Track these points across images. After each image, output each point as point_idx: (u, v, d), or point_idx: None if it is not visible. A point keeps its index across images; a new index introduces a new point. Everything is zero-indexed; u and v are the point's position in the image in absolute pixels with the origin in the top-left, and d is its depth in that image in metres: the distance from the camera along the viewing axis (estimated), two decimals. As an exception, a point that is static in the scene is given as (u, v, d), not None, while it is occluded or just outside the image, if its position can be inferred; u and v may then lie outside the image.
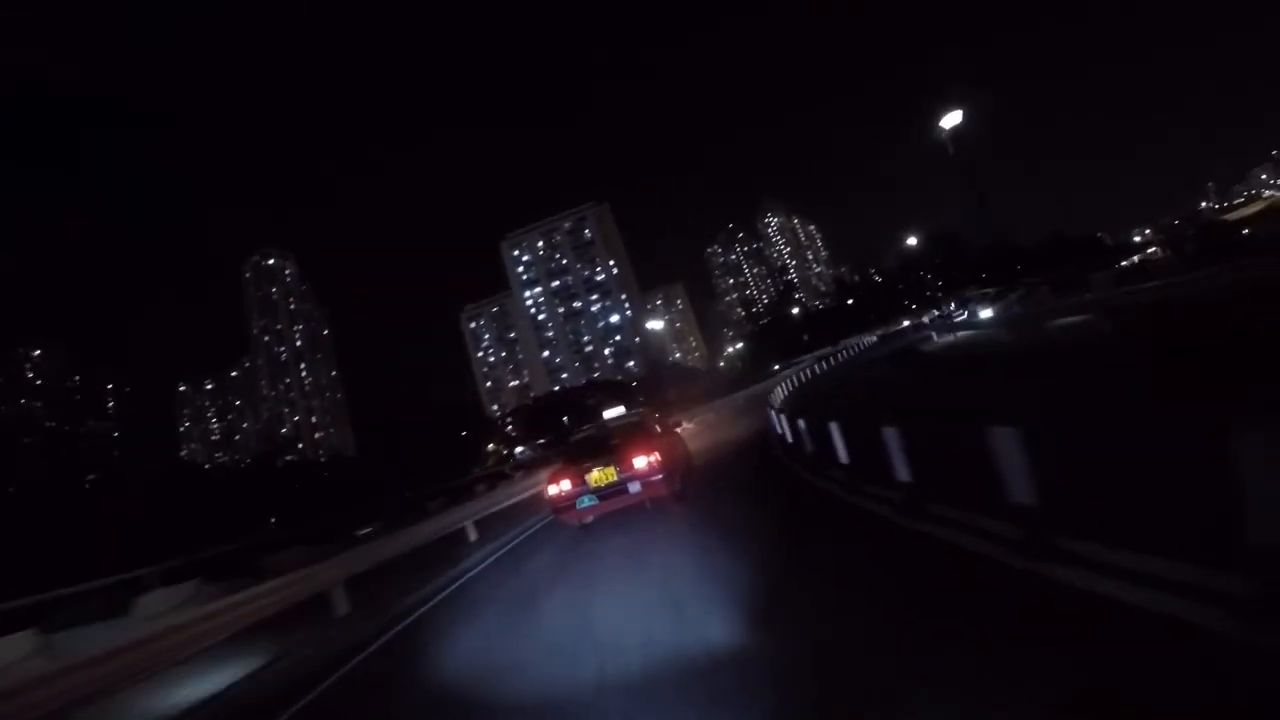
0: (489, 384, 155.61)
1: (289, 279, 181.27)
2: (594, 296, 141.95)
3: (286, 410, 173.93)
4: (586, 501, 7.54)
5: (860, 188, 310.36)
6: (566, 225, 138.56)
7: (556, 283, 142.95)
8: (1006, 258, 72.78)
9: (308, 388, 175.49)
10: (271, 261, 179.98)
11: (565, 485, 7.68)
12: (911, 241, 49.74)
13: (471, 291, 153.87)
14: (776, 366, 59.07)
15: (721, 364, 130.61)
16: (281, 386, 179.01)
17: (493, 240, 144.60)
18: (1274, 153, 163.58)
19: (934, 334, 31.92)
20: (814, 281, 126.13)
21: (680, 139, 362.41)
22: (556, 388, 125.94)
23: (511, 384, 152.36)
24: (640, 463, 7.40)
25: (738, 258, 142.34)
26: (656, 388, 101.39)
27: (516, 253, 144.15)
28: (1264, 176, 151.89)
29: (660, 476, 7.40)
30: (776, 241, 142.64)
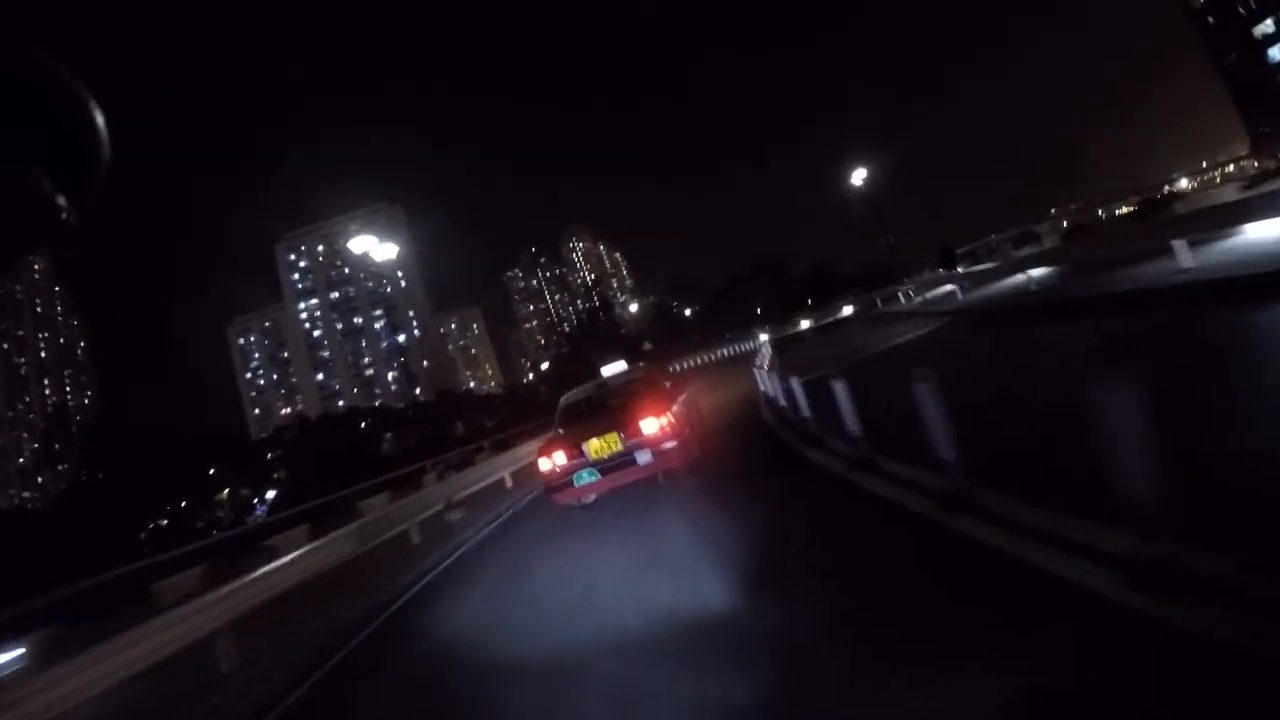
0: (257, 410, 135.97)
1: (39, 276, 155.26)
2: (378, 312, 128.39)
3: (26, 435, 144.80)
4: (586, 477, 6.36)
5: (666, 217, 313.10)
6: (353, 228, 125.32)
7: (337, 294, 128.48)
8: (828, 282, 75.46)
9: (50, 409, 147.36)
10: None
11: (559, 459, 6.53)
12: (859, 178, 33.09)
13: (247, 301, 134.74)
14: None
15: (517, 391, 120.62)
16: (21, 406, 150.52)
17: (270, 243, 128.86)
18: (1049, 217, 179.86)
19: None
20: (618, 310, 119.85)
21: (484, 160, 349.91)
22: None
23: (283, 410, 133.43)
24: (650, 427, 6.21)
25: (540, 283, 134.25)
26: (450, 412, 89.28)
27: (293, 257, 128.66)
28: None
29: (675, 443, 6.20)
30: (581, 267, 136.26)
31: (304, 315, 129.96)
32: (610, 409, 6.99)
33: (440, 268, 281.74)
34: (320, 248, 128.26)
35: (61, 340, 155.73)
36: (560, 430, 7.20)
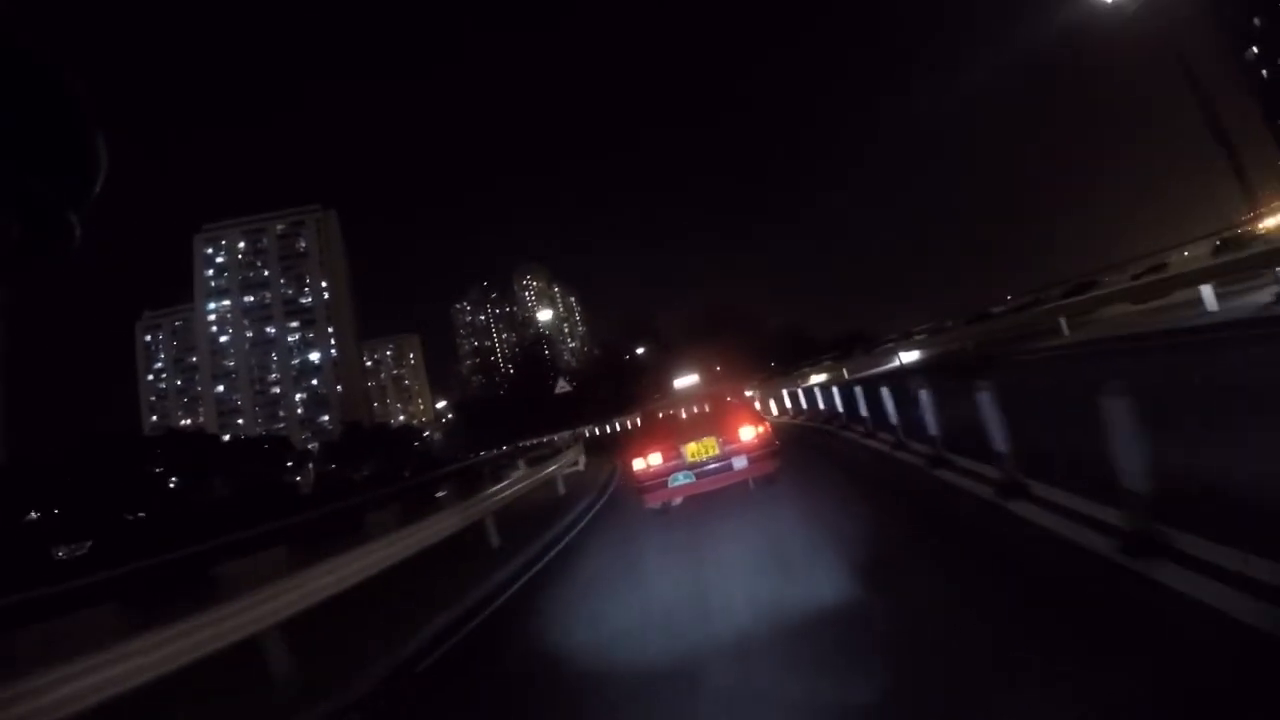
0: (154, 418, 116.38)
1: None
2: (294, 323, 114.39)
3: None
4: (681, 479, 6.48)
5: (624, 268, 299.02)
6: (279, 228, 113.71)
7: (251, 298, 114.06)
8: (796, 343, 72.19)
9: None
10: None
11: (655, 459, 6.61)
12: None
13: (160, 296, 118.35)
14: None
15: (434, 434, 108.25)
16: None
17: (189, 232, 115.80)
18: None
19: None
20: (566, 356, 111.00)
21: (444, 181, 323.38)
22: (227, 436, 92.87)
23: (183, 422, 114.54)
24: (748, 434, 6.52)
25: (487, 319, 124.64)
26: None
27: (210, 250, 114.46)
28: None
29: (769, 450, 6.56)
30: (532, 306, 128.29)
31: (213, 317, 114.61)
32: (704, 416, 7.29)
33: (379, 287, 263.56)
34: (242, 244, 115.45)
35: None
36: (649, 433, 7.38)
